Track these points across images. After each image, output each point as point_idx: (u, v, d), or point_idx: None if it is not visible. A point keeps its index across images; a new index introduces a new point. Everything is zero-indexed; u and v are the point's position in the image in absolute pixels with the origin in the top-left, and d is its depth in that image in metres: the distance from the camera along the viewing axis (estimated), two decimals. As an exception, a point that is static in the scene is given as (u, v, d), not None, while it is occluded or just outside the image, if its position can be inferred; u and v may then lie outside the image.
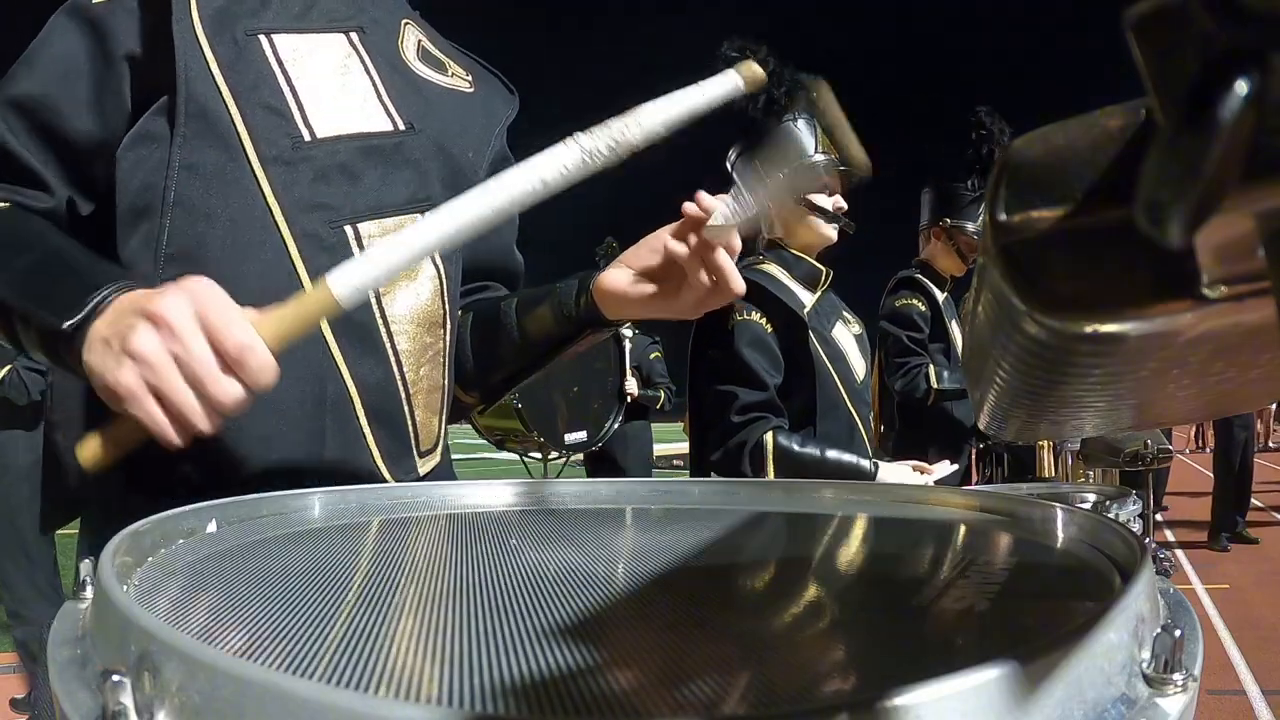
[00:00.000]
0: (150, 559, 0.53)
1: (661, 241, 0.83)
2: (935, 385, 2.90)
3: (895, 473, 1.97)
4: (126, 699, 0.29)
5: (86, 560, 0.44)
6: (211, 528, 0.62)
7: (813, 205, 2.07)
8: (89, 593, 0.42)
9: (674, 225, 0.83)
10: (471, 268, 1.06)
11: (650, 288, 0.86)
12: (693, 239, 0.81)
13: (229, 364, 0.65)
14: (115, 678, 0.29)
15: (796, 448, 1.88)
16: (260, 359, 0.65)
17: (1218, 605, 4.32)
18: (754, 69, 0.73)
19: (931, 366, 2.94)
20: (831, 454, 1.91)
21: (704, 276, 0.81)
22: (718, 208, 0.78)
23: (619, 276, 0.88)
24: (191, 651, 0.30)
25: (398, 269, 0.70)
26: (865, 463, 1.94)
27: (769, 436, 1.88)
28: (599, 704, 0.31)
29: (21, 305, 0.75)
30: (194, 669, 0.29)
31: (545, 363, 1.02)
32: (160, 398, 0.65)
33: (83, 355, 0.69)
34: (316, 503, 0.73)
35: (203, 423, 0.65)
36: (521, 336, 0.99)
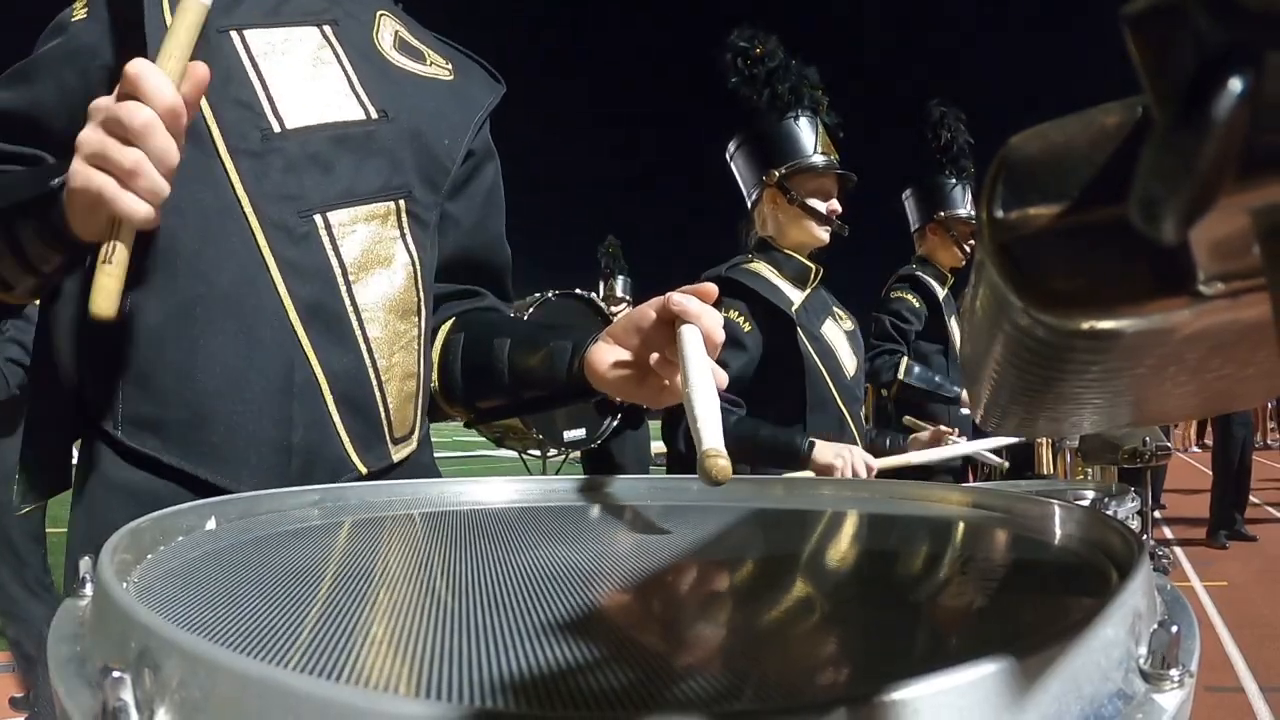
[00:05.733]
0: (150, 556, 0.53)
1: (647, 322, 0.80)
2: (901, 377, 2.89)
3: (829, 451, 1.95)
4: (127, 695, 0.29)
5: (85, 558, 0.44)
6: (210, 524, 0.62)
7: (807, 207, 2.07)
8: (88, 590, 0.42)
9: (656, 301, 0.79)
10: (459, 258, 1.06)
11: (626, 373, 0.83)
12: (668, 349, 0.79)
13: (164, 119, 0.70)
14: (115, 674, 0.29)
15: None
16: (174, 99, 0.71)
17: (1216, 602, 4.33)
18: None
19: (905, 359, 2.93)
20: (765, 431, 1.95)
21: (663, 379, 0.80)
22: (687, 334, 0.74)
23: (602, 357, 0.85)
24: (192, 648, 0.30)
25: None
26: (797, 439, 1.95)
27: None
28: (597, 700, 0.31)
29: (12, 198, 0.79)
30: (194, 665, 0.29)
31: (531, 413, 1.02)
32: (113, 173, 0.70)
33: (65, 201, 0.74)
34: (316, 499, 0.73)
35: (153, 175, 0.71)
36: (511, 380, 0.99)
